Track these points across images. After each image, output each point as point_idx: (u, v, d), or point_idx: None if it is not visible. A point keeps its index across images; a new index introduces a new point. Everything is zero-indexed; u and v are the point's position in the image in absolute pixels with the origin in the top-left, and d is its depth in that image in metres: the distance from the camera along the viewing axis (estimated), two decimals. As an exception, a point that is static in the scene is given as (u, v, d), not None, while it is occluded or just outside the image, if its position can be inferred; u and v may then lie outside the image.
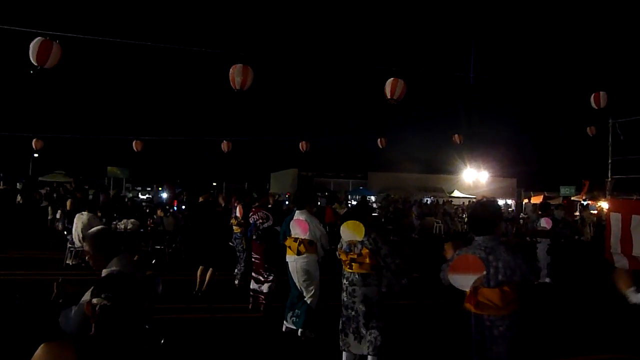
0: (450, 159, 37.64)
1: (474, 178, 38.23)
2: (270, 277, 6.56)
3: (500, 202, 36.96)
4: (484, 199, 4.20)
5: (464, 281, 2.94)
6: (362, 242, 4.52)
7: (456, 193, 38.49)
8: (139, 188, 44.95)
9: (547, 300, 7.18)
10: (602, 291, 8.59)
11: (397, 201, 20.87)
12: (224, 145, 18.58)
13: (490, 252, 3.05)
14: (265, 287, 6.54)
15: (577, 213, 22.58)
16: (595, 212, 23.92)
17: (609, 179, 12.42)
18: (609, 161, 12.18)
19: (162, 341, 5.08)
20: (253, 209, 7.02)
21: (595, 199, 26.54)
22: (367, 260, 4.48)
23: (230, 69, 7.91)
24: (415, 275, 9.64)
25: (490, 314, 2.97)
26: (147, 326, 5.16)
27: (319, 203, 11.26)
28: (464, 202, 32.78)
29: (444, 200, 28.30)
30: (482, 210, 3.27)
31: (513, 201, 36.83)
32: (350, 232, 4.55)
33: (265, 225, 6.72)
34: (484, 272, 2.92)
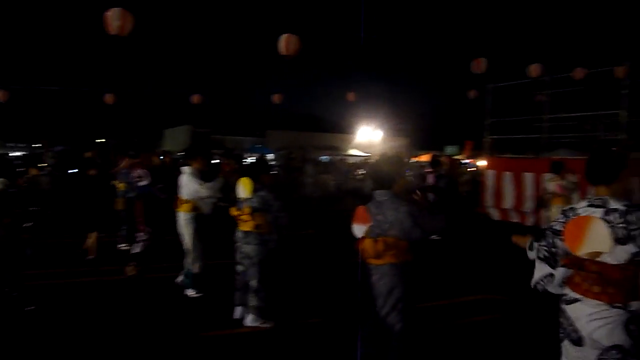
0: (346, 118, 38.53)
1: (368, 137, 39.56)
2: (144, 237, 6.29)
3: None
4: (387, 155, 4.16)
5: (357, 231, 3.27)
6: (248, 200, 4.47)
7: (352, 151, 39.69)
8: (12, 144, 40.43)
9: (432, 253, 7.61)
10: (477, 241, 9.49)
11: (293, 159, 20.90)
12: (108, 98, 17.07)
13: (379, 205, 3.16)
14: (137, 247, 6.28)
15: (460, 171, 24.37)
16: (474, 169, 26.01)
17: (487, 139, 13.47)
18: (487, 122, 13.18)
19: (32, 307, 4.65)
20: (130, 167, 6.63)
21: (475, 157, 28.77)
22: (249, 219, 4.44)
23: (106, 13, 7.10)
24: (311, 232, 9.85)
25: (370, 262, 3.18)
26: (14, 293, 4.66)
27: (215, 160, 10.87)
28: (359, 160, 33.90)
29: (339, 159, 28.96)
30: (382, 165, 3.35)
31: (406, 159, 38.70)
32: (242, 189, 4.53)
33: (142, 183, 6.36)
34: (370, 224, 3.16)
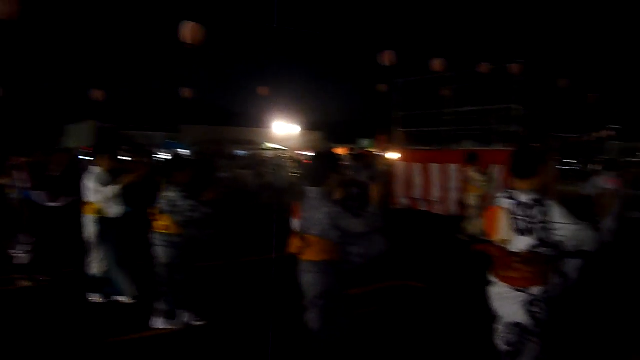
0: (261, 112, 38.21)
1: (284, 130, 39.55)
2: (28, 248, 5.77)
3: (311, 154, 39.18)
4: (322, 150, 4.08)
5: (294, 226, 3.24)
6: (161, 201, 4.27)
7: (268, 145, 39.45)
8: None
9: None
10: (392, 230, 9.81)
11: (208, 154, 20.34)
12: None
13: (308, 202, 3.13)
14: (26, 259, 5.76)
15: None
16: (387, 162, 26.98)
17: (397, 132, 13.98)
18: (396, 116, 13.67)
19: None
20: (17, 170, 6.00)
21: (386, 150, 29.83)
22: (159, 220, 4.24)
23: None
24: (231, 231, 9.61)
25: (300, 257, 3.17)
26: None
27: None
28: (275, 155, 33.79)
29: (256, 153, 28.68)
30: (315, 162, 3.29)
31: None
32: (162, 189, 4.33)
33: (24, 186, 5.81)
34: (302, 221, 3.17)
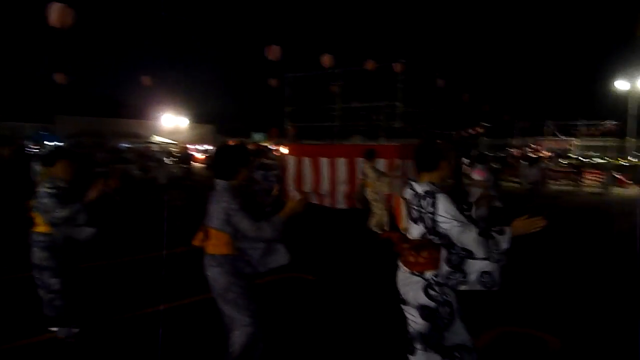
0: (147, 104, 36.21)
1: (173, 123, 37.95)
2: None
3: (201, 147, 38.02)
4: (232, 143, 3.84)
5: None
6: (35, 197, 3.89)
7: (156, 138, 37.53)
8: None
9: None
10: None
11: (86, 148, 18.80)
12: None
13: (213, 195, 3.04)
14: None
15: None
16: (279, 155, 27.14)
17: (287, 126, 14.07)
18: (286, 110, 13.74)
19: None
20: None
21: (279, 144, 29.97)
22: (34, 218, 3.88)
23: None
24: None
25: (204, 251, 3.09)
26: None
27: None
28: (164, 149, 32.28)
29: (142, 147, 27.14)
30: (223, 154, 3.15)
31: (212, 147, 38.14)
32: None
33: None
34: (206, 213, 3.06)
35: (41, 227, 3.84)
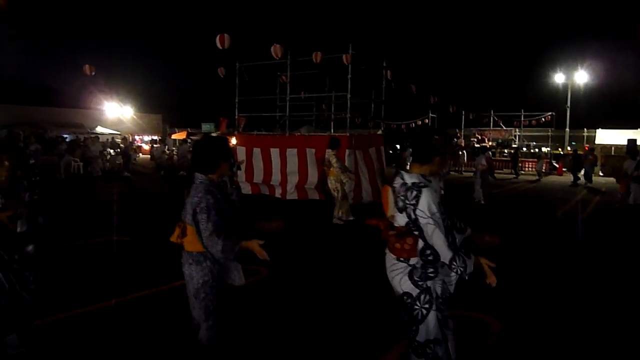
0: (89, 93, 34.61)
1: (117, 113, 36.52)
2: None
3: (147, 138, 36.82)
4: (212, 135, 3.65)
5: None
6: None
7: (99, 129, 36.01)
8: None
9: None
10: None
11: (17, 138, 17.74)
12: None
13: (192, 188, 2.91)
14: None
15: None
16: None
17: (237, 116, 13.84)
18: (236, 100, 13.52)
19: None
20: None
21: (230, 135, 29.52)
22: None
23: None
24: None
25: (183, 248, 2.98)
26: None
27: None
28: (108, 139, 31.06)
29: (84, 137, 25.92)
30: (203, 147, 3.00)
31: (158, 137, 37.11)
32: None
33: None
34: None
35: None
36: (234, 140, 13.60)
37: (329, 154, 8.78)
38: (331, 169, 8.66)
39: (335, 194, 8.73)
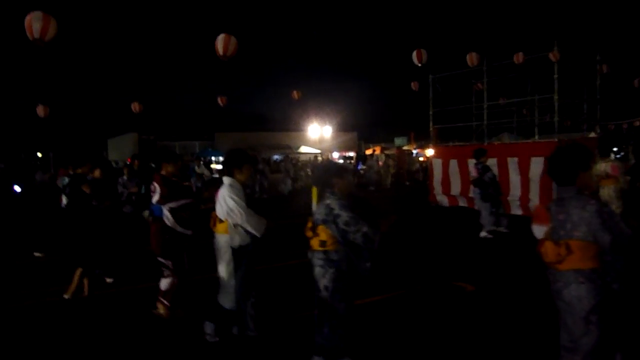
0: (294, 116, 38.44)
1: (318, 133, 39.68)
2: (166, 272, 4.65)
3: (346, 155, 39.13)
4: (325, 160, 4.12)
5: (536, 232, 2.99)
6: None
7: (303, 149, 39.68)
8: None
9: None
10: (434, 228, 9.58)
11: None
12: (40, 110, 16.13)
13: (561, 203, 2.74)
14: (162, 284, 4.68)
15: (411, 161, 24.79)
16: (422, 159, 26.69)
17: (431, 129, 13.74)
18: (430, 112, 13.44)
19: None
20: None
21: (423, 147, 29.46)
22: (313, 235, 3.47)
23: (27, 17, 6.66)
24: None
25: (553, 267, 2.78)
26: None
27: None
28: (310, 158, 33.97)
29: (290, 157, 28.85)
30: (561, 157, 2.79)
31: (354, 153, 39.04)
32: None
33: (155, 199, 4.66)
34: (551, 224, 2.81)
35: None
36: (428, 152, 13.54)
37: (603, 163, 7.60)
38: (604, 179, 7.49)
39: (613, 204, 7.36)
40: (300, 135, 42.39)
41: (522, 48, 11.69)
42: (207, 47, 8.89)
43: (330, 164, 3.52)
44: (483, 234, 8.31)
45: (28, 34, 6.65)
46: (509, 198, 10.76)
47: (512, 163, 10.78)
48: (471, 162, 10.62)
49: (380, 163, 22.32)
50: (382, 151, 33.46)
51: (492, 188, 8.39)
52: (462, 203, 12.06)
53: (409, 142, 33.11)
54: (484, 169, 8.48)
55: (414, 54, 11.90)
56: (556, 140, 10.21)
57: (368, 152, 37.32)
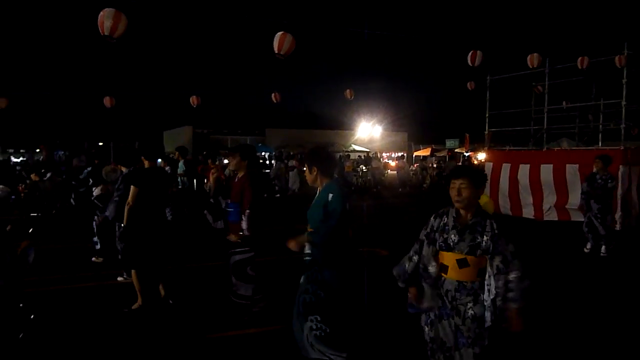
0: (345, 115, 38.47)
1: (368, 132, 39.54)
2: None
3: (394, 155, 38.78)
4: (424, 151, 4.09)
5: None
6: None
7: (353, 147, 39.64)
8: (11, 150, 40.52)
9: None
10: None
11: (292, 157, 20.83)
12: (107, 101, 16.96)
13: None
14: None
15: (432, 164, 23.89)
16: (476, 162, 26.00)
17: (487, 132, 13.39)
18: (487, 115, 13.09)
19: (32, 317, 4.53)
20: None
21: (476, 150, 28.70)
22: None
23: (100, 13, 7.02)
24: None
25: None
26: (20, 304, 4.54)
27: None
28: (360, 156, 33.89)
29: (340, 155, 28.90)
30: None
31: (404, 153, 38.61)
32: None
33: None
34: None
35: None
36: (481, 156, 13.20)
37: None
38: None
39: None
40: (350, 134, 42.38)
41: (587, 50, 11.17)
42: (265, 44, 9.05)
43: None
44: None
45: (100, 30, 7.01)
46: (567, 206, 10.34)
47: (572, 169, 10.35)
48: (573, 168, 10.12)
49: (415, 166, 21.89)
50: (432, 153, 32.89)
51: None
52: (508, 211, 11.64)
53: (461, 144, 32.38)
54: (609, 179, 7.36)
55: (469, 55, 11.64)
56: (622, 148, 9.72)
57: (419, 153, 36.84)
